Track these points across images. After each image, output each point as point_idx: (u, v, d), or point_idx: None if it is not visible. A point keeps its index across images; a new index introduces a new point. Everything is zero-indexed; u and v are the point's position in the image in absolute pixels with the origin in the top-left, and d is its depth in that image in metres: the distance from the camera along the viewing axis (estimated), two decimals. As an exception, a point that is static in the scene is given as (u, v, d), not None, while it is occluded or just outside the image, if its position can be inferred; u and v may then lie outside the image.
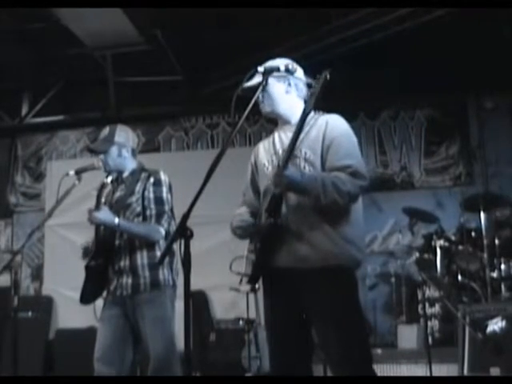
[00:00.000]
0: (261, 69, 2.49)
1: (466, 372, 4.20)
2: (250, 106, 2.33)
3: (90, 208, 3.22)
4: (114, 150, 3.35)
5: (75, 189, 3.38)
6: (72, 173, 3.38)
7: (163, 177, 3.31)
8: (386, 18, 5.56)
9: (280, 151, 2.59)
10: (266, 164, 2.64)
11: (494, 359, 4.09)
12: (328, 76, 2.39)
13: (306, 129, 2.47)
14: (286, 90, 2.60)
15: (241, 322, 5.81)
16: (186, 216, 2.07)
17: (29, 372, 5.36)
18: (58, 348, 6.23)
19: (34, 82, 7.32)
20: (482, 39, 5.69)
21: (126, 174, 3.37)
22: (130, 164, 3.39)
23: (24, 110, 7.60)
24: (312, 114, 2.53)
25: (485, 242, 5.27)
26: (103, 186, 3.43)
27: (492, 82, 6.12)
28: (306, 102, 2.46)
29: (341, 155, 2.44)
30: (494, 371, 4.06)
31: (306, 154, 2.48)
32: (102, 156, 3.35)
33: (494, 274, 5.17)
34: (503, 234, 5.38)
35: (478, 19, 5.46)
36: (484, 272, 5.22)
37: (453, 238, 5.56)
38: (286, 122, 2.63)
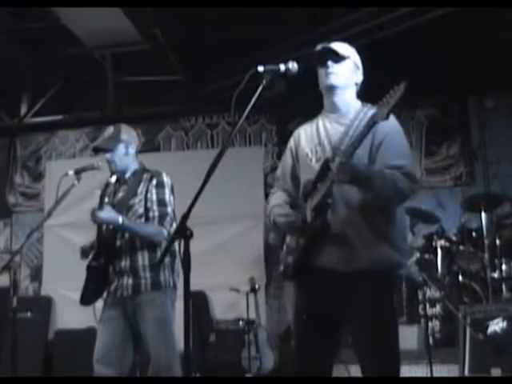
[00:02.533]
0: (260, 68, 2.47)
1: (466, 373, 4.17)
2: (251, 105, 2.31)
3: (93, 207, 3.21)
4: (121, 148, 3.34)
5: (74, 189, 3.38)
6: (71, 173, 3.38)
7: (166, 178, 3.30)
8: (387, 18, 5.56)
9: (325, 142, 2.55)
10: (309, 154, 2.59)
11: (494, 360, 4.07)
12: (404, 88, 2.25)
13: (355, 123, 2.43)
14: (356, 81, 2.60)
15: (241, 323, 5.81)
16: (185, 216, 2.07)
17: (28, 372, 5.35)
18: (57, 348, 6.23)
19: (33, 81, 7.30)
20: (483, 38, 5.67)
21: (128, 175, 3.36)
22: (133, 164, 3.38)
23: (23, 110, 7.59)
24: (360, 105, 2.52)
25: (486, 242, 5.26)
26: (107, 185, 3.42)
27: (493, 82, 6.11)
28: (377, 109, 2.28)
29: (393, 154, 2.40)
30: (495, 372, 4.04)
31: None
32: (108, 155, 3.33)
33: (495, 275, 5.15)
34: (504, 234, 5.36)
35: (479, 18, 5.45)
36: (485, 272, 5.21)
37: (454, 238, 5.54)
38: (336, 110, 2.58)
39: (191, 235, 2.04)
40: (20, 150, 7.69)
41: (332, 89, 2.56)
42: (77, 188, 3.39)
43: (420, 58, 5.98)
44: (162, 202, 3.23)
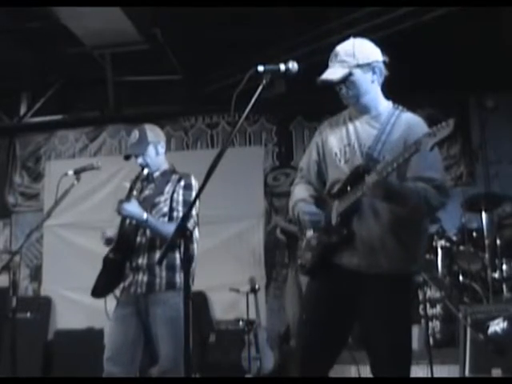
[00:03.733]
0: (260, 68, 2.46)
1: (467, 373, 4.17)
2: (251, 105, 2.30)
3: (120, 199, 3.21)
4: (151, 150, 3.36)
5: (74, 189, 3.37)
6: (71, 173, 3.38)
7: (194, 181, 3.30)
8: (387, 17, 5.55)
9: (356, 144, 2.53)
10: (338, 154, 2.57)
11: (495, 360, 4.06)
12: (454, 124, 2.16)
13: (387, 128, 2.43)
14: (371, 79, 2.54)
15: (241, 323, 5.80)
16: (185, 216, 2.06)
17: (27, 373, 5.34)
18: (56, 349, 6.21)
19: (33, 81, 7.30)
20: (484, 38, 5.66)
21: (156, 174, 3.37)
22: (163, 164, 3.40)
23: (22, 110, 7.58)
24: (391, 107, 2.51)
25: (486, 242, 5.25)
26: (138, 178, 3.40)
27: (493, 81, 6.10)
28: (423, 138, 2.19)
29: (425, 166, 2.39)
30: (496, 372, 4.03)
31: (384, 157, 2.41)
32: (140, 160, 3.33)
33: (496, 275, 5.15)
34: (505, 234, 5.35)
35: (479, 18, 5.44)
36: (485, 272, 5.20)
37: (454, 238, 5.53)
38: (366, 112, 2.57)
39: (191, 235, 2.03)
40: (19, 150, 7.68)
41: (353, 99, 2.54)
42: (76, 188, 3.39)
43: (420, 57, 5.98)
44: (187, 204, 3.22)
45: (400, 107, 2.53)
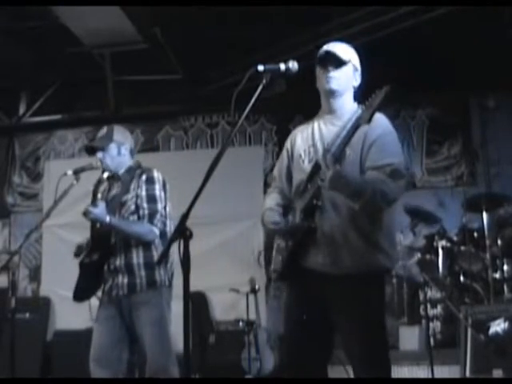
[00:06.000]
0: (260, 68, 2.45)
1: (468, 374, 4.16)
2: (251, 105, 2.28)
3: (88, 204, 3.19)
4: (113, 148, 3.32)
5: (73, 189, 3.35)
6: (70, 173, 3.36)
7: (156, 174, 3.27)
8: (387, 17, 5.54)
9: (318, 144, 2.56)
10: (302, 155, 2.61)
11: (496, 361, 4.06)
12: (388, 92, 2.31)
13: (348, 125, 2.43)
14: (354, 84, 2.61)
15: (241, 324, 5.79)
16: (185, 216, 2.05)
17: (26, 374, 5.33)
18: (55, 349, 6.22)
19: (32, 80, 7.28)
20: (485, 37, 5.65)
21: (121, 172, 3.34)
22: (126, 163, 3.36)
23: (22, 109, 7.57)
24: (356, 107, 2.52)
25: (487, 242, 5.22)
26: (100, 181, 3.40)
27: (494, 81, 6.09)
28: (361, 112, 2.35)
29: (382, 155, 2.42)
30: (497, 373, 4.03)
31: (346, 152, 2.43)
32: (100, 154, 3.31)
33: (497, 275, 5.13)
34: (506, 235, 5.33)
35: (480, 17, 5.43)
36: (486, 273, 5.18)
37: (455, 238, 5.51)
38: (332, 112, 2.60)
39: (191, 235, 2.02)
40: (18, 150, 7.67)
41: (331, 93, 2.57)
42: (76, 188, 3.37)
43: (421, 57, 5.97)
44: (151, 199, 3.20)
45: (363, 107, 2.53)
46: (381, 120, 2.51)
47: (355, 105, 2.60)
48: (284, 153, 2.75)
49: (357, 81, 2.61)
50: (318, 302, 2.45)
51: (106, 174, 3.33)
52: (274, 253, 2.61)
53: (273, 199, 2.71)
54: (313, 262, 2.45)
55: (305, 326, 2.47)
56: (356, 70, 2.61)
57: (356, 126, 2.32)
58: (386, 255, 2.45)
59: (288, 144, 2.74)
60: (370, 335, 2.40)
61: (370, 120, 2.28)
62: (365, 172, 2.43)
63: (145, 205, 3.19)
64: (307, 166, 2.54)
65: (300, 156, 2.61)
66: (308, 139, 2.63)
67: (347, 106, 2.57)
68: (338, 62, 2.53)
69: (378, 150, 2.42)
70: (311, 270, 2.45)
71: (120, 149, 3.34)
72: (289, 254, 2.49)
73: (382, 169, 2.38)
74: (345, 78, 2.55)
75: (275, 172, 2.80)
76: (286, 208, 2.62)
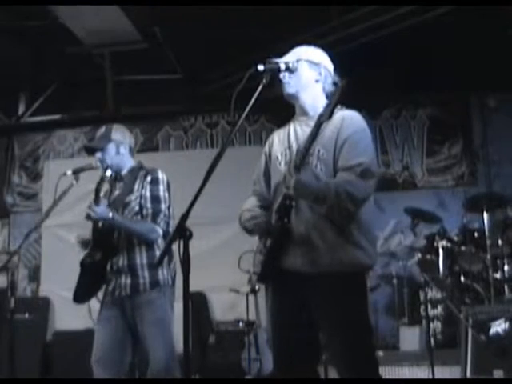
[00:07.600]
0: (260, 67, 2.44)
1: (468, 374, 4.15)
2: (250, 104, 2.28)
3: (90, 203, 3.18)
4: (111, 147, 3.32)
5: (73, 189, 3.34)
6: (69, 173, 3.36)
7: (161, 175, 3.27)
8: (388, 16, 5.54)
9: (294, 146, 2.55)
10: (279, 158, 2.60)
11: (497, 361, 4.04)
12: (344, 86, 2.35)
13: (322, 125, 2.42)
14: (316, 78, 2.57)
15: (241, 324, 5.77)
16: (185, 216, 2.04)
17: (26, 374, 5.34)
18: (55, 350, 6.20)
19: (31, 80, 7.28)
20: (485, 37, 5.65)
21: (124, 172, 3.34)
22: (128, 162, 3.36)
23: (21, 109, 7.56)
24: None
25: (488, 242, 5.22)
26: (102, 179, 3.38)
27: (495, 81, 6.08)
28: (323, 109, 2.39)
29: (353, 154, 2.40)
30: (497, 374, 4.01)
31: (319, 152, 2.44)
32: (99, 154, 3.31)
33: (497, 275, 5.13)
34: (509, 235, 5.32)
35: (481, 17, 5.43)
36: (487, 273, 5.18)
37: (455, 238, 5.51)
38: (304, 113, 2.59)
39: (190, 235, 2.01)
40: (18, 150, 7.66)
41: (290, 97, 2.58)
42: (75, 188, 3.36)
43: (422, 56, 5.96)
44: (155, 199, 3.20)
45: (339, 107, 2.50)
46: (354, 118, 2.50)
47: (326, 101, 2.57)
48: (262, 157, 2.74)
49: (321, 74, 2.58)
50: (300, 303, 2.43)
51: (108, 172, 3.31)
52: (253, 258, 2.57)
53: (249, 202, 2.70)
54: (291, 262, 2.42)
55: (291, 329, 2.45)
56: (313, 63, 2.58)
57: (318, 124, 2.34)
58: (365, 252, 2.42)
59: (266, 147, 2.73)
60: (352, 335, 2.36)
61: (330, 116, 2.30)
62: (337, 171, 2.41)
63: (148, 205, 3.19)
64: (283, 168, 2.52)
65: (277, 158, 2.61)
66: (284, 142, 2.62)
67: (318, 105, 2.54)
68: (285, 69, 2.50)
69: (350, 149, 2.40)
70: (290, 270, 2.42)
71: (119, 148, 3.33)
72: (267, 255, 2.46)
73: (352, 169, 2.36)
74: (297, 78, 2.53)
75: (254, 176, 2.78)
76: (266, 209, 2.61)
